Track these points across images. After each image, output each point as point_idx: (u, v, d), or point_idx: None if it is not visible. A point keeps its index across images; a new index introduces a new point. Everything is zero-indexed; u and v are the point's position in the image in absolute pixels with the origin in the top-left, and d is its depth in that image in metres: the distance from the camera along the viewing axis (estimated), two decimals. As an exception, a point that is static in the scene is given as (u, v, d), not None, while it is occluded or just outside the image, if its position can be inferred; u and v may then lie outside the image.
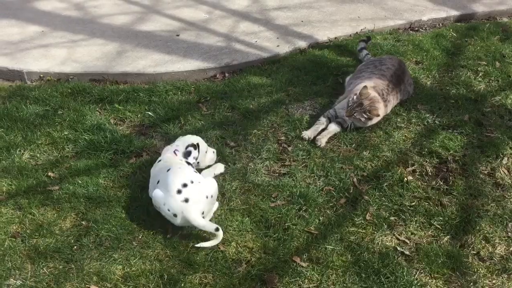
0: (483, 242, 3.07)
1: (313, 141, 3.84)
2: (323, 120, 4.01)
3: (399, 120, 4.09)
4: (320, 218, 3.20)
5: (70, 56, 5.03)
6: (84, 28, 5.65)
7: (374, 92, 3.92)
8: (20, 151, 3.75)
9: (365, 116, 3.83)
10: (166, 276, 2.81)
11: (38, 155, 3.74)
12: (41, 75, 4.80)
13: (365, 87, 3.86)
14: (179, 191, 2.94)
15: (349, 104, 3.88)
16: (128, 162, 3.65)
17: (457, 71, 4.85)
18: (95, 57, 5.03)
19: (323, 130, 3.95)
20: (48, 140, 3.88)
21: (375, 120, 3.92)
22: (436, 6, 6.31)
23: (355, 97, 3.87)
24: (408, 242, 3.06)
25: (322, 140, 3.82)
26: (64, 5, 6.30)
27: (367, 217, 3.20)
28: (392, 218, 3.21)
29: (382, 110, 3.92)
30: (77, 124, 4.03)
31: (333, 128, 3.95)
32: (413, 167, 3.61)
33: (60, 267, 2.88)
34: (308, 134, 3.89)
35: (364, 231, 3.12)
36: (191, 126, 4.02)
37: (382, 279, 2.80)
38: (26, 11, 6.11)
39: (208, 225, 2.97)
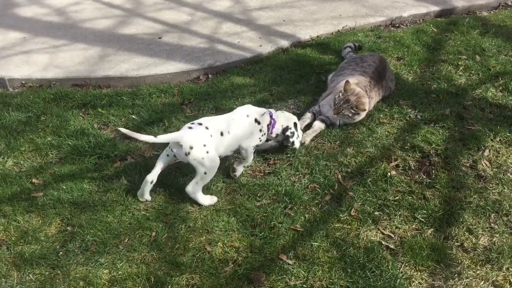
0: (466, 233, 3.10)
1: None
2: (308, 115, 4.07)
3: (381, 115, 4.12)
4: (306, 216, 3.22)
5: (52, 62, 5.01)
6: (65, 33, 5.63)
7: (358, 88, 3.96)
8: (3, 158, 3.73)
9: (353, 111, 3.87)
10: (153, 278, 2.81)
11: (21, 162, 3.72)
12: (23, 82, 4.77)
13: (347, 82, 3.88)
14: None
15: (336, 102, 3.90)
16: (113, 166, 3.64)
17: (438, 66, 4.90)
18: (77, 62, 5.01)
19: (308, 125, 4.01)
20: (31, 146, 3.86)
21: (362, 114, 3.95)
22: (416, 2, 6.37)
23: (340, 94, 3.89)
24: (392, 236, 3.09)
25: (307, 139, 3.84)
26: (45, 10, 6.27)
27: (352, 213, 3.23)
28: (376, 213, 3.24)
29: (367, 104, 3.95)
30: (61, 129, 4.01)
31: (318, 126, 3.97)
32: (396, 162, 3.64)
33: (46, 273, 2.86)
34: None
35: (349, 226, 3.15)
36: (175, 128, 4.01)
37: (368, 273, 2.83)
38: (7, 18, 6.07)
39: None
